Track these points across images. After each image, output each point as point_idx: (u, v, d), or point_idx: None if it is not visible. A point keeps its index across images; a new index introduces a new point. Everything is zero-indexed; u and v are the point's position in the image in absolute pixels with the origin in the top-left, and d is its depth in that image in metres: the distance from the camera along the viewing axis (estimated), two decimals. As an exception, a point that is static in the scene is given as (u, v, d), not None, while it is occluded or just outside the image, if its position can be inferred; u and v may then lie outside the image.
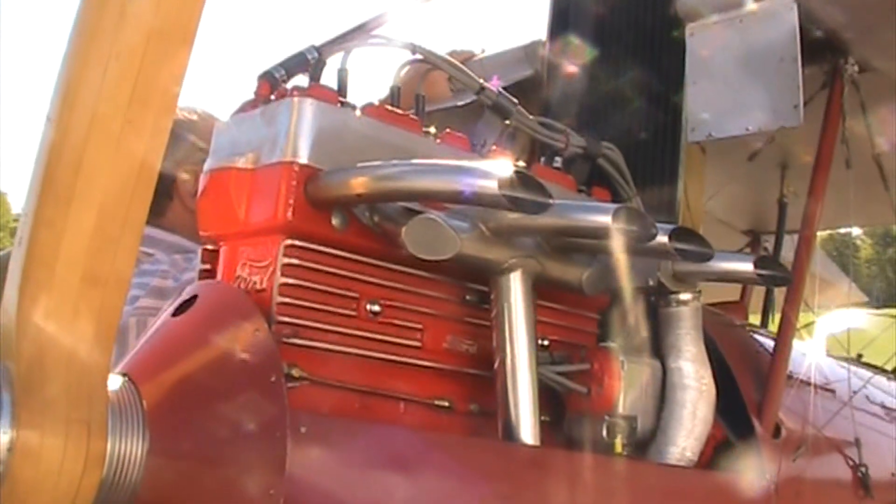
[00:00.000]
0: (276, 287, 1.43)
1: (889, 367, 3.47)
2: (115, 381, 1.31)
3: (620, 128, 2.30)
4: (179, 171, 2.22)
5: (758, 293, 3.52)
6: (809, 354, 2.47)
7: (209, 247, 1.60)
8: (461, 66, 1.76)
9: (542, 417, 1.58)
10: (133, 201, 1.17)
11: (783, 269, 1.89)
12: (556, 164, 1.86)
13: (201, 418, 1.31)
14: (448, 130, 1.68)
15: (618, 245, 1.44)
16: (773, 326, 2.72)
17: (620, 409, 1.73)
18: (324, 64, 1.62)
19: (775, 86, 1.96)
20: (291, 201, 1.42)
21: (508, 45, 2.80)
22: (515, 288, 1.55)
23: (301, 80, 1.59)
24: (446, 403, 1.59)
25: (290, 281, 1.43)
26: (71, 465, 1.18)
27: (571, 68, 2.48)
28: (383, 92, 1.74)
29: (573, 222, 1.49)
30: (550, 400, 1.72)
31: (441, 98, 2.41)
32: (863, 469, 2.31)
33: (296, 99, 1.47)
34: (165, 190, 2.22)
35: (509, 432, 1.53)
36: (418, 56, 1.67)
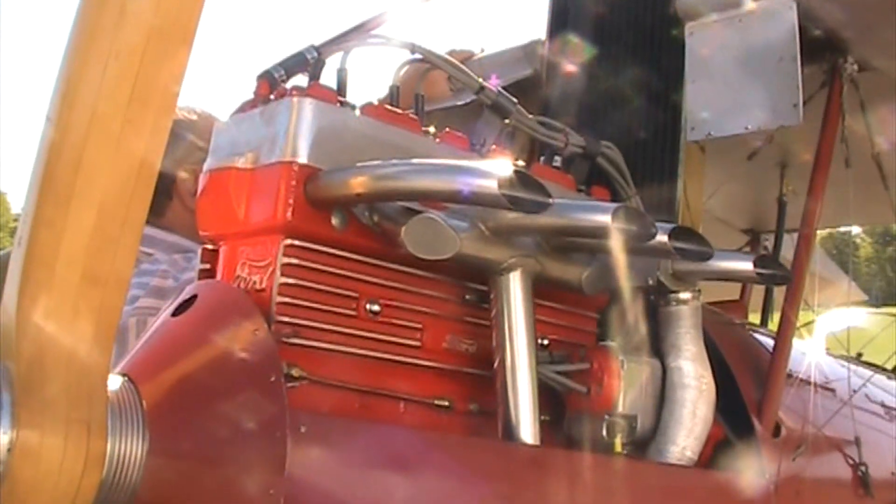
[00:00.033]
0: (275, 287, 1.43)
1: (889, 366, 3.47)
2: (114, 381, 1.31)
3: (620, 127, 2.30)
4: (179, 170, 2.22)
5: (757, 292, 3.52)
6: (809, 353, 2.47)
7: (209, 246, 1.60)
8: (460, 65, 1.76)
9: (542, 417, 1.58)
10: (133, 201, 1.17)
11: (783, 268, 1.89)
12: (555, 164, 1.86)
13: (201, 418, 1.31)
14: (447, 130, 1.68)
15: (617, 244, 1.45)
16: (773, 325, 2.72)
17: (620, 409, 1.73)
18: (323, 63, 1.62)
19: (775, 85, 1.96)
20: (291, 201, 1.42)
21: (508, 44, 2.80)
22: (515, 287, 1.55)
23: (300, 79, 1.59)
24: (446, 403, 1.59)
25: (290, 280, 1.43)
26: (71, 465, 1.18)
27: (571, 67, 2.48)
28: (383, 91, 1.74)
29: (573, 222, 1.49)
30: (550, 399, 1.72)
31: (440, 97, 2.41)
32: (863, 468, 2.31)
33: (295, 99, 1.47)
34: (165, 189, 2.22)
35: (509, 432, 1.53)
36: (418, 55, 1.67)
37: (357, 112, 1.54)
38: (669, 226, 1.52)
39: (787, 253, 2.95)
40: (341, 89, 1.57)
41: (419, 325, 1.58)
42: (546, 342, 1.74)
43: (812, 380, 2.29)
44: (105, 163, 1.13)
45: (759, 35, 2.00)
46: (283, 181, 1.43)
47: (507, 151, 1.74)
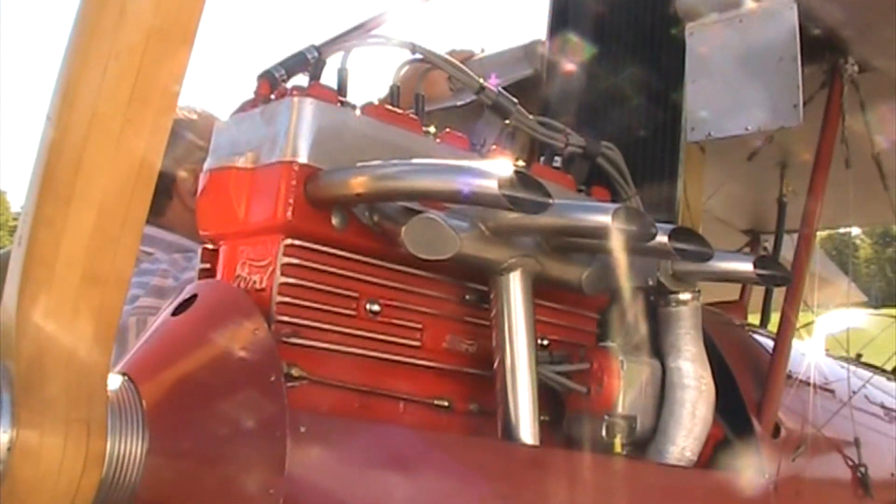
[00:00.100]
0: (275, 286, 1.43)
1: (888, 367, 3.47)
2: (114, 381, 1.31)
3: (620, 126, 2.30)
4: (179, 169, 2.22)
5: (757, 293, 3.52)
6: (809, 354, 2.47)
7: (209, 246, 1.60)
8: (461, 65, 1.76)
9: (542, 417, 1.58)
10: (133, 200, 1.17)
11: (783, 268, 1.88)
12: (555, 164, 1.86)
13: (201, 418, 1.31)
14: (448, 130, 1.68)
15: (617, 245, 1.45)
16: (773, 326, 2.72)
17: (620, 409, 1.73)
18: (324, 63, 1.62)
19: (775, 85, 1.96)
20: (291, 201, 1.42)
21: (508, 44, 2.80)
22: (515, 287, 1.55)
23: (301, 79, 1.59)
24: (446, 403, 1.59)
25: (290, 280, 1.43)
26: (70, 464, 1.18)
27: (571, 67, 2.48)
28: (383, 91, 1.74)
29: (573, 222, 1.49)
30: (550, 399, 1.72)
31: (441, 97, 2.41)
32: (862, 469, 2.31)
33: (295, 98, 1.47)
34: (165, 189, 2.22)
35: (509, 432, 1.53)
36: (418, 55, 1.67)
37: (357, 112, 1.54)
38: (669, 226, 1.52)
39: (786, 253, 2.95)
40: (342, 89, 1.57)
41: (419, 325, 1.58)
42: (546, 342, 1.74)
43: (812, 381, 2.29)
44: (105, 162, 1.13)
45: (760, 35, 2.00)
46: (284, 181, 1.43)
47: (508, 151, 1.74)
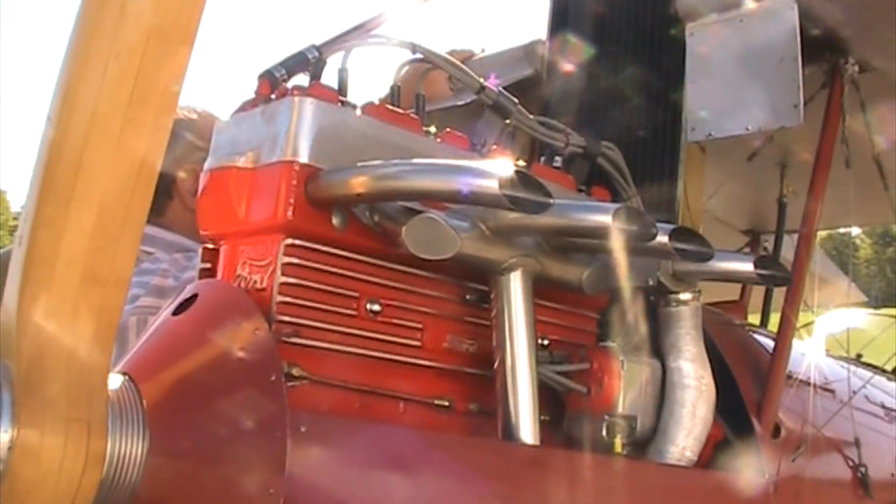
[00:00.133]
0: (276, 286, 1.43)
1: (889, 367, 3.47)
2: (115, 381, 1.31)
3: (620, 126, 2.31)
4: (179, 169, 2.22)
5: (757, 292, 3.52)
6: (809, 354, 2.47)
7: (209, 245, 1.60)
8: (461, 65, 1.76)
9: (542, 417, 1.58)
10: (133, 200, 1.17)
11: (783, 268, 1.88)
12: (555, 164, 1.86)
13: (201, 417, 1.31)
14: (448, 130, 1.68)
15: (618, 245, 1.44)
16: (773, 326, 2.72)
17: (620, 409, 1.73)
18: (324, 63, 1.62)
19: (775, 85, 1.96)
20: (292, 200, 1.42)
21: (508, 44, 2.80)
22: (515, 287, 1.55)
23: (301, 79, 1.59)
24: (446, 403, 1.59)
25: (291, 280, 1.43)
26: (71, 464, 1.18)
27: (571, 67, 2.48)
28: (383, 91, 1.74)
29: (573, 222, 1.49)
30: (550, 399, 1.72)
31: (441, 97, 2.41)
32: (862, 469, 2.31)
33: (296, 98, 1.47)
34: (165, 189, 2.22)
35: (509, 432, 1.53)
36: (418, 55, 1.67)
37: (358, 112, 1.54)
38: (670, 226, 1.52)
39: (787, 254, 2.95)
40: (342, 89, 1.57)
41: (419, 325, 1.58)
42: (546, 342, 1.74)
43: (812, 381, 2.29)
44: (105, 163, 1.13)
45: (760, 35, 2.00)
46: (284, 181, 1.43)
47: (508, 151, 1.74)
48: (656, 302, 1.91)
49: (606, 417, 1.72)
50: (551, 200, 1.31)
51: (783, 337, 2.14)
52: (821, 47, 2.16)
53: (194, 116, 2.29)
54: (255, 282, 1.47)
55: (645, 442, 1.81)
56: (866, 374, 2.95)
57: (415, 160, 1.45)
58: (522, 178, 1.28)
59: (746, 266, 1.83)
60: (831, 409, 2.30)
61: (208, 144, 1.59)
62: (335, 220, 1.47)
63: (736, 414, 1.98)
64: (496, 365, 1.56)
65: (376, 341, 1.52)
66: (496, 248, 1.53)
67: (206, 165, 1.56)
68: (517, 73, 2.64)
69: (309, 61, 1.61)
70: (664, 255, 1.73)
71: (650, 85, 2.32)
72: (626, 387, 1.74)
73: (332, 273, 1.48)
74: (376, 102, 1.59)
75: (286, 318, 1.42)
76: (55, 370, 1.17)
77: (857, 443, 2.31)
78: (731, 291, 3.41)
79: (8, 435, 1.14)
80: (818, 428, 2.19)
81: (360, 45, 1.64)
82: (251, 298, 1.43)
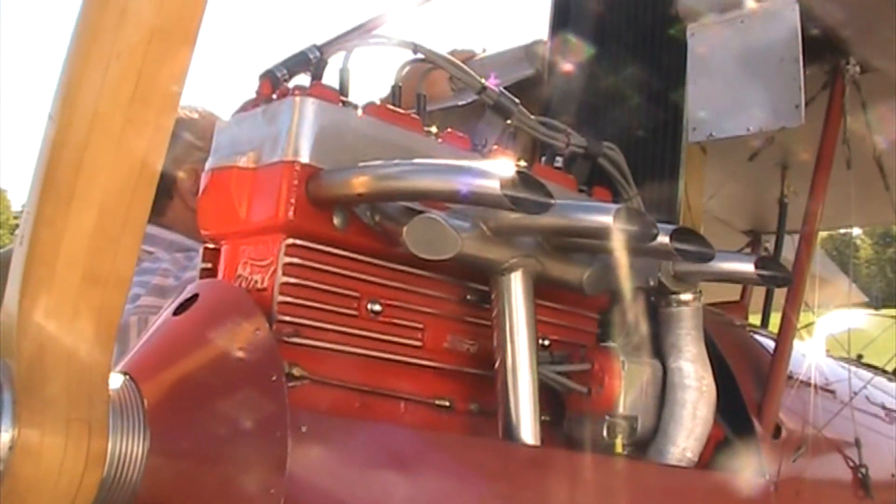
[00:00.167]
0: (277, 286, 1.43)
1: (889, 368, 3.47)
2: (115, 380, 1.31)
3: (621, 126, 2.31)
4: (179, 169, 2.22)
5: (758, 293, 3.51)
6: (809, 355, 2.47)
7: (210, 245, 1.60)
8: (462, 65, 1.76)
9: (543, 417, 1.58)
10: (134, 200, 1.17)
11: (784, 269, 1.88)
12: (556, 164, 1.86)
13: (202, 417, 1.31)
14: (449, 130, 1.68)
15: (619, 245, 1.44)
16: (773, 327, 2.72)
17: (621, 409, 1.73)
18: (325, 63, 1.62)
19: (776, 86, 1.96)
20: (293, 200, 1.42)
21: (509, 44, 2.80)
22: (516, 287, 1.55)
23: (303, 79, 1.59)
24: (447, 403, 1.59)
25: (291, 280, 1.43)
26: (71, 463, 1.18)
27: (572, 66, 2.48)
28: (384, 91, 1.74)
29: (574, 222, 1.49)
30: (551, 400, 1.72)
31: (442, 97, 2.41)
32: (863, 470, 2.31)
33: (297, 98, 1.47)
34: (166, 188, 2.22)
35: (509, 432, 1.53)
36: (419, 55, 1.67)
37: (359, 112, 1.54)
38: (671, 227, 1.52)
39: (787, 254, 2.95)
40: (343, 89, 1.57)
41: (420, 325, 1.58)
42: (547, 342, 1.74)
43: (812, 381, 2.29)
44: (106, 162, 1.13)
45: (761, 36, 2.00)
46: (285, 180, 1.43)
47: (509, 152, 1.74)
48: (657, 302, 1.91)
49: (607, 418, 1.72)
50: (552, 201, 1.31)
51: (784, 337, 2.13)
52: (822, 48, 2.16)
53: (195, 116, 2.29)
54: (256, 282, 1.47)
55: (645, 442, 1.81)
56: (867, 374, 2.95)
57: (416, 160, 1.45)
58: (523, 178, 1.28)
59: (747, 267, 1.83)
60: (832, 410, 2.30)
61: (209, 144, 1.59)
62: (336, 220, 1.47)
63: (736, 414, 1.98)
64: (497, 365, 1.56)
65: (377, 341, 1.52)
66: (497, 249, 1.53)
67: (207, 165, 1.56)
68: (518, 73, 2.64)
69: (310, 61, 1.61)
70: (665, 256, 1.73)
71: (651, 85, 2.32)
72: (627, 387, 1.74)
73: (332, 273, 1.48)
74: (377, 102, 1.59)
75: (287, 318, 1.42)
76: (56, 370, 1.17)
77: (857, 443, 2.31)
78: (732, 292, 3.40)
79: (8, 435, 1.14)
80: (819, 428, 2.19)
81: (361, 46, 1.64)
82: (252, 298, 1.43)
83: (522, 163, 1.74)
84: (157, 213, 2.11)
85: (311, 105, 1.46)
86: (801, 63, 1.93)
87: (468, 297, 1.65)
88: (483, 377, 1.61)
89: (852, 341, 3.29)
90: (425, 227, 1.40)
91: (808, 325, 2.83)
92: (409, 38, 1.66)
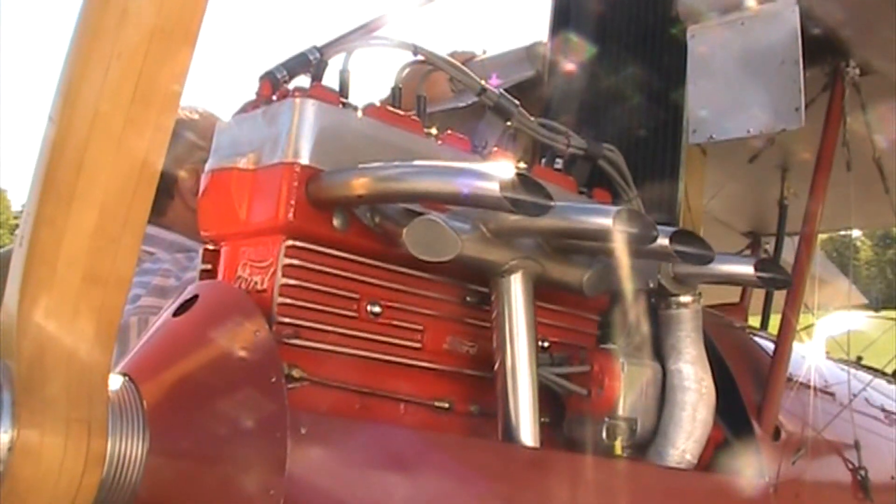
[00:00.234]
0: (276, 287, 1.43)
1: (889, 370, 3.47)
2: (115, 381, 1.31)
3: (621, 127, 2.31)
4: (180, 169, 2.22)
5: (757, 295, 3.51)
6: (809, 357, 2.47)
7: (210, 247, 1.60)
8: (462, 66, 1.76)
9: (542, 419, 1.58)
10: (134, 201, 1.17)
11: (783, 271, 1.88)
12: (556, 166, 1.86)
13: (202, 418, 1.31)
14: (449, 131, 1.68)
15: (618, 247, 1.44)
16: (773, 328, 2.72)
17: (620, 411, 1.73)
18: (325, 64, 1.62)
19: (776, 88, 1.96)
20: (292, 202, 1.42)
21: (510, 45, 2.80)
22: (516, 289, 1.55)
23: (303, 80, 1.59)
24: (446, 404, 1.59)
25: (291, 281, 1.43)
26: (71, 464, 1.18)
27: (572, 67, 2.48)
28: (384, 93, 1.74)
29: (574, 224, 1.49)
30: (550, 401, 1.72)
31: (442, 99, 2.41)
32: (862, 472, 2.31)
33: (297, 99, 1.47)
34: (166, 188, 2.22)
35: (509, 433, 1.53)
36: (419, 57, 1.67)
37: (359, 113, 1.54)
38: (670, 229, 1.52)
39: (787, 256, 2.95)
40: (343, 90, 1.57)
41: (420, 327, 1.58)
42: (547, 344, 1.74)
43: (812, 383, 2.29)
44: (107, 163, 1.13)
45: (761, 38, 2.00)
46: (285, 182, 1.43)
47: (509, 153, 1.74)
48: (657, 304, 1.91)
49: (606, 420, 1.72)
50: (552, 203, 1.31)
51: (783, 339, 2.14)
52: (822, 50, 2.16)
53: (196, 116, 2.29)
54: (256, 283, 1.47)
55: (645, 444, 1.81)
56: (866, 376, 2.95)
57: (416, 162, 1.45)
58: (523, 180, 1.28)
59: (747, 269, 1.83)
60: (831, 412, 2.30)
61: (209, 144, 1.59)
62: (336, 222, 1.47)
63: (736, 416, 1.98)
64: (496, 366, 1.56)
65: (377, 343, 1.52)
66: (497, 250, 1.53)
67: (207, 166, 1.56)
68: (518, 74, 2.64)
69: (310, 62, 1.61)
70: (665, 258, 1.73)
71: (651, 85, 2.32)
72: (627, 389, 1.74)
73: (332, 274, 1.48)
74: (377, 104, 1.59)
75: (287, 320, 1.42)
76: (55, 370, 1.17)
77: (857, 445, 2.31)
78: (732, 293, 3.40)
79: (8, 435, 1.14)
80: (818, 430, 2.19)
81: (361, 47, 1.64)
82: (252, 300, 1.43)
83: (522, 164, 1.74)
84: (158, 212, 2.11)
85: (311, 106, 1.46)
86: (801, 65, 1.93)
87: (468, 298, 1.65)
88: (483, 379, 1.61)
89: (852, 343, 3.29)
90: (425, 228, 1.40)
91: (808, 327, 2.83)
92: (410, 40, 1.66)
